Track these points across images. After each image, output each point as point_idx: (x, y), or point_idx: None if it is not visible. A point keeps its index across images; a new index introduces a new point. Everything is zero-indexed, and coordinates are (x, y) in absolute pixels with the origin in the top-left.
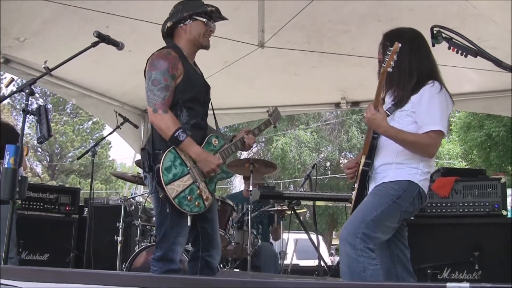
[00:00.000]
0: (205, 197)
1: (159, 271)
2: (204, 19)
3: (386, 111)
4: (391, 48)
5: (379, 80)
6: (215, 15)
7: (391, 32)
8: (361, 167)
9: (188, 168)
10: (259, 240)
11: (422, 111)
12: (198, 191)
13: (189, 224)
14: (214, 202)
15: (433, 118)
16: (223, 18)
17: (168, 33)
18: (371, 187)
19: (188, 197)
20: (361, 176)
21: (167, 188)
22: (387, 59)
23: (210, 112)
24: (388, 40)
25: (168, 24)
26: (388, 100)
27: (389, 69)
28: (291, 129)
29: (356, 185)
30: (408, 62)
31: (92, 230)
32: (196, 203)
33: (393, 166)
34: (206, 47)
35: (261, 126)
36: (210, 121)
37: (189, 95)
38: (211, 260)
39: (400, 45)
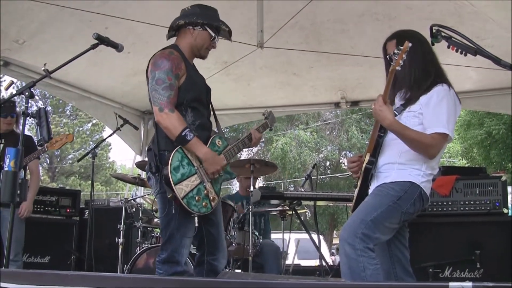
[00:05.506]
0: (211, 197)
1: (164, 274)
2: (214, 34)
3: (394, 111)
4: (401, 47)
5: (388, 78)
6: (224, 33)
7: (400, 32)
8: (364, 164)
9: (195, 168)
10: (260, 240)
11: (429, 113)
12: (205, 191)
13: (196, 224)
14: (219, 204)
15: (439, 121)
16: (229, 39)
17: (175, 29)
18: (373, 186)
19: (196, 197)
20: (363, 174)
21: (175, 188)
22: (396, 58)
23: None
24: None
25: (181, 22)
26: (398, 101)
27: (398, 68)
28: (291, 129)
29: (358, 183)
30: (417, 62)
31: (93, 232)
32: (204, 203)
33: (396, 166)
34: (203, 57)
35: (260, 128)
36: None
37: (192, 94)
38: (217, 264)
39: (410, 44)
